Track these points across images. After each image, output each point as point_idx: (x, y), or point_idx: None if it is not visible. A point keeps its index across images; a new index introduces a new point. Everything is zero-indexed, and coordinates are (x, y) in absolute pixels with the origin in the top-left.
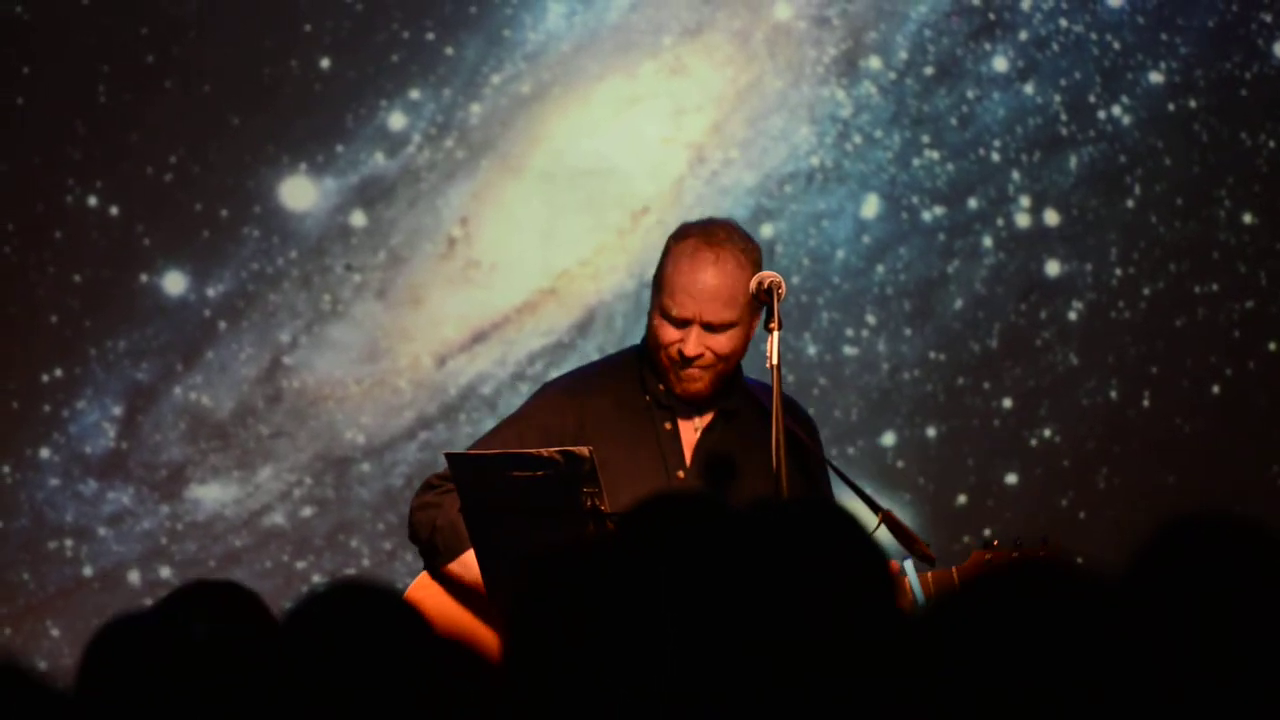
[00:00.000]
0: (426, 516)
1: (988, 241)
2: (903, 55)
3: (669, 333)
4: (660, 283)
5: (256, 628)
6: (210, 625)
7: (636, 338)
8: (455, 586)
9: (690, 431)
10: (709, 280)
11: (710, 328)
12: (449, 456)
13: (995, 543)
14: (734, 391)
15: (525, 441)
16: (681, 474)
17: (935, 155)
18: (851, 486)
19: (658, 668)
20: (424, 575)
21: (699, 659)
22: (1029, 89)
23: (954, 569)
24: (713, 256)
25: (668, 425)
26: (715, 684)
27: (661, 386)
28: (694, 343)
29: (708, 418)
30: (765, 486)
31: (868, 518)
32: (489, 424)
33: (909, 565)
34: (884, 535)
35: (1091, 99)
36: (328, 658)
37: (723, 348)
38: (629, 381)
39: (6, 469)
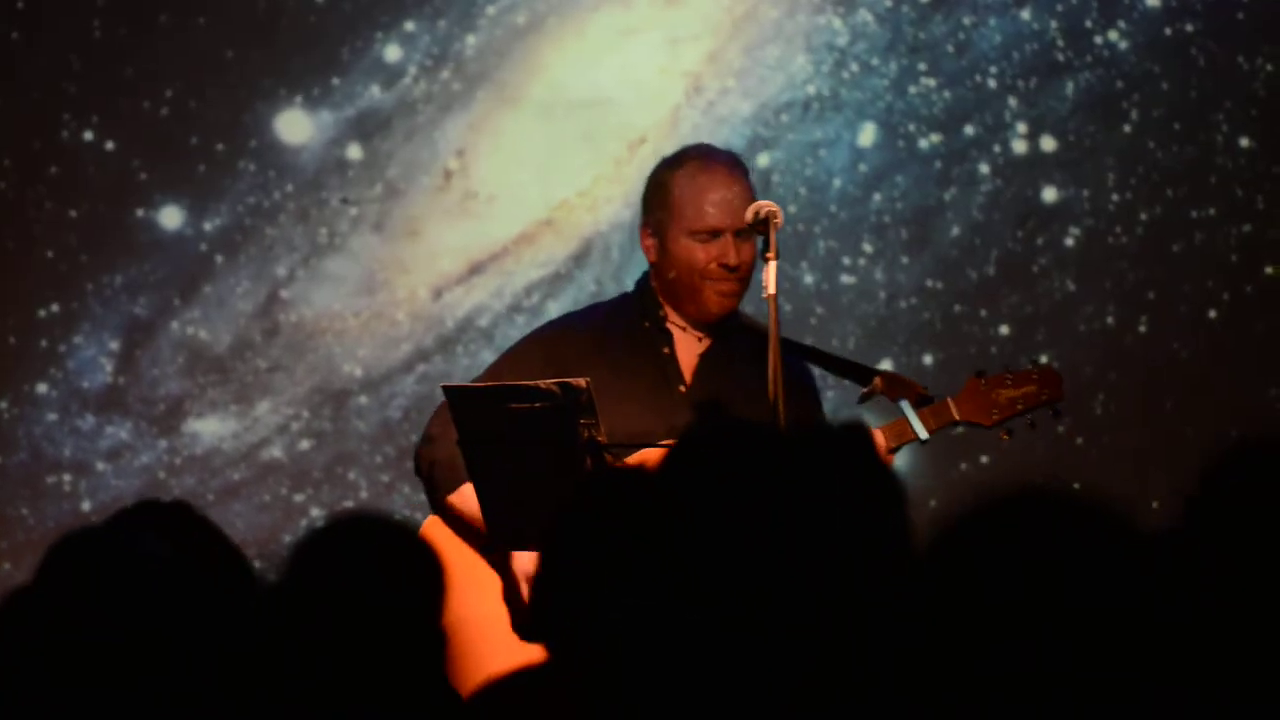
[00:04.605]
0: (427, 453)
1: (984, 168)
2: None
3: (702, 253)
4: (677, 208)
5: (210, 546)
6: (161, 540)
7: (633, 268)
8: (457, 523)
9: (690, 355)
10: (733, 188)
11: (740, 234)
12: (446, 389)
13: (985, 372)
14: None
15: (520, 373)
16: (682, 388)
17: (931, 83)
18: (838, 365)
19: (662, 599)
20: (428, 521)
21: (701, 592)
22: (1025, 15)
23: (949, 399)
24: (725, 168)
25: (666, 350)
26: (719, 611)
27: (662, 313)
28: (734, 251)
29: (707, 342)
30: (762, 401)
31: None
32: (486, 356)
33: (905, 405)
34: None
35: (1088, 24)
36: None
37: (749, 255)
38: (625, 311)
39: (4, 404)
